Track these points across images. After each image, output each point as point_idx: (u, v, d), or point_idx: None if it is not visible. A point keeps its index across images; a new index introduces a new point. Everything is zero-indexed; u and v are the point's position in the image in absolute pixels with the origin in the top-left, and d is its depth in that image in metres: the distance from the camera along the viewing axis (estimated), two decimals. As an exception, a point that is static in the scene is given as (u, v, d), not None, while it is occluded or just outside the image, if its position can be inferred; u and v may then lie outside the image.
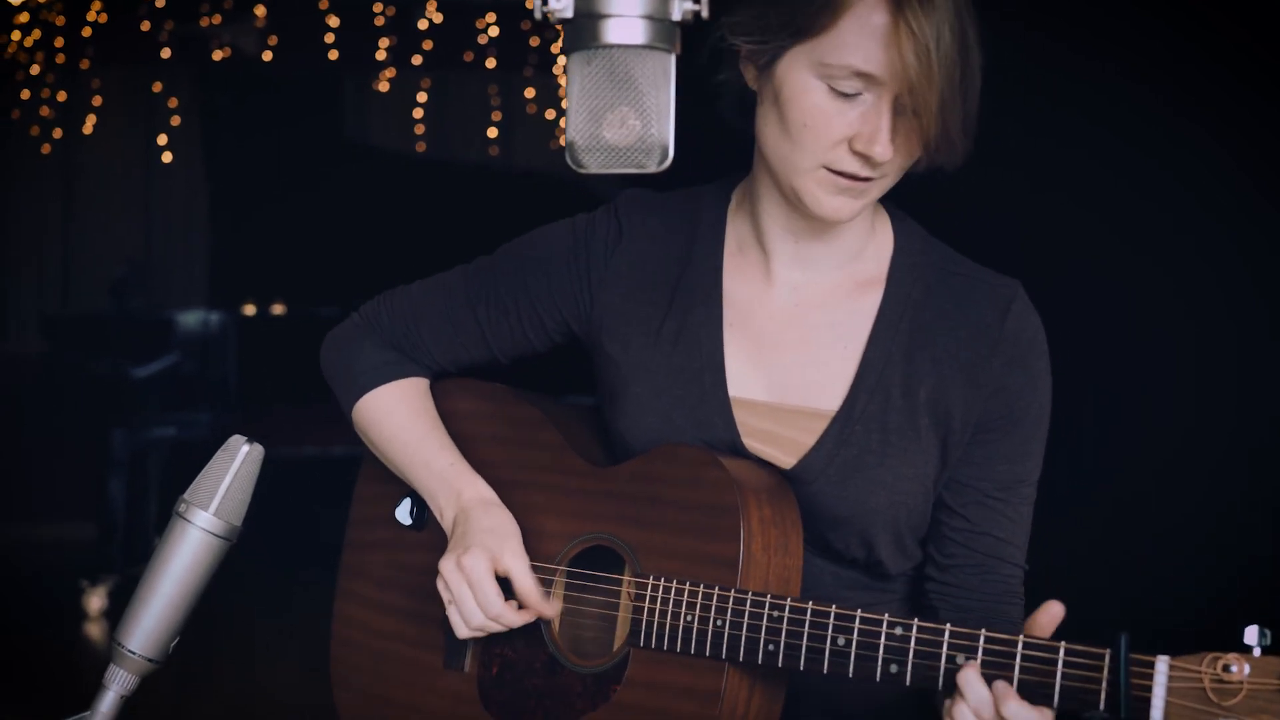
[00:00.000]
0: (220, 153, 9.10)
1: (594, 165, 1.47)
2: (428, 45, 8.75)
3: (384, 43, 8.69)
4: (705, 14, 1.46)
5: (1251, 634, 1.51)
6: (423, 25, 8.60)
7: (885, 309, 1.89)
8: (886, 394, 1.86)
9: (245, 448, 1.68)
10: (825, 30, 1.72)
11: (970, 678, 1.61)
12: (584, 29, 1.45)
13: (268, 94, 8.88)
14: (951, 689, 1.65)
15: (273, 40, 8.66)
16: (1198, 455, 6.41)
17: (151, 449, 7.90)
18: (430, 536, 2.00)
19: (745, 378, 1.91)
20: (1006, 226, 6.34)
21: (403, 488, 2.09)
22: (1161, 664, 1.53)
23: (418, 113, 9.24)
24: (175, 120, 9.04)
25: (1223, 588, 5.08)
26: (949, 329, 1.87)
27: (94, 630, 7.06)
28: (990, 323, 1.86)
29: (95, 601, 7.20)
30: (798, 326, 1.91)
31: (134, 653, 1.66)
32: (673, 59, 1.47)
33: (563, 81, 8.07)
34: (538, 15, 1.44)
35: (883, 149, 1.73)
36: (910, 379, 1.86)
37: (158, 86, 8.99)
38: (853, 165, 1.75)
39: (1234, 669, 1.50)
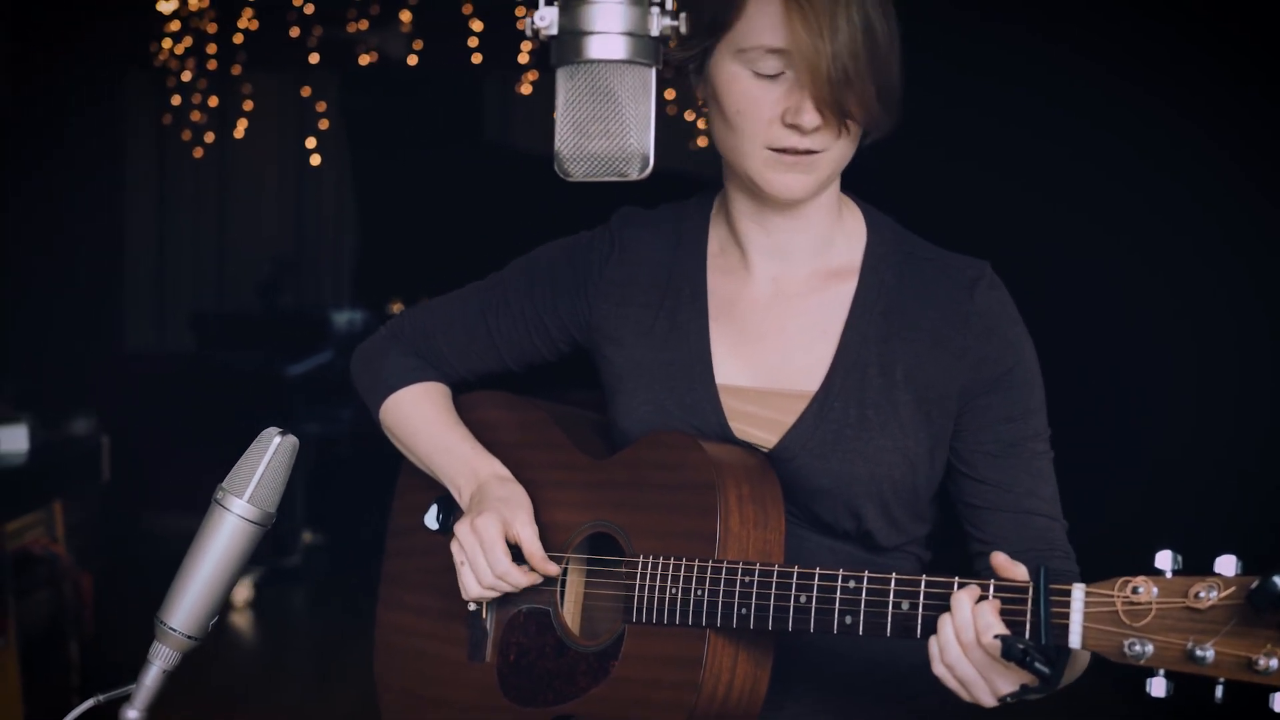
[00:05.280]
0: (367, 155, 9.31)
1: (579, 174, 1.57)
2: (569, 48, 8.85)
3: (526, 46, 8.80)
4: (685, 30, 1.54)
5: (1164, 559, 1.58)
6: (564, 28, 8.69)
7: (860, 295, 2.00)
8: (863, 373, 1.97)
9: (277, 439, 1.79)
10: (736, 18, 1.88)
11: (961, 599, 1.69)
12: (568, 45, 1.54)
13: (412, 97, 9.06)
14: (901, 633, 1.74)
15: (417, 44, 8.82)
16: (1197, 455, 6.36)
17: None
18: None
19: (730, 366, 2.03)
20: (1007, 228, 6.33)
21: (435, 496, 2.22)
22: (1078, 591, 1.62)
23: (559, 114, 9.34)
24: (323, 124, 9.26)
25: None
26: (921, 309, 1.98)
27: (239, 620, 7.28)
28: (960, 300, 1.97)
29: (241, 592, 7.40)
30: (778, 315, 2.03)
31: (175, 630, 1.78)
32: (653, 72, 1.55)
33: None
34: (528, 33, 1.53)
35: (810, 116, 1.85)
36: (886, 358, 1.97)
37: (306, 91, 9.22)
38: (790, 139, 1.88)
39: (1141, 590, 1.57)
